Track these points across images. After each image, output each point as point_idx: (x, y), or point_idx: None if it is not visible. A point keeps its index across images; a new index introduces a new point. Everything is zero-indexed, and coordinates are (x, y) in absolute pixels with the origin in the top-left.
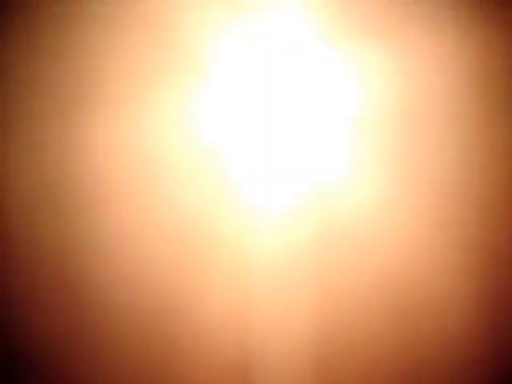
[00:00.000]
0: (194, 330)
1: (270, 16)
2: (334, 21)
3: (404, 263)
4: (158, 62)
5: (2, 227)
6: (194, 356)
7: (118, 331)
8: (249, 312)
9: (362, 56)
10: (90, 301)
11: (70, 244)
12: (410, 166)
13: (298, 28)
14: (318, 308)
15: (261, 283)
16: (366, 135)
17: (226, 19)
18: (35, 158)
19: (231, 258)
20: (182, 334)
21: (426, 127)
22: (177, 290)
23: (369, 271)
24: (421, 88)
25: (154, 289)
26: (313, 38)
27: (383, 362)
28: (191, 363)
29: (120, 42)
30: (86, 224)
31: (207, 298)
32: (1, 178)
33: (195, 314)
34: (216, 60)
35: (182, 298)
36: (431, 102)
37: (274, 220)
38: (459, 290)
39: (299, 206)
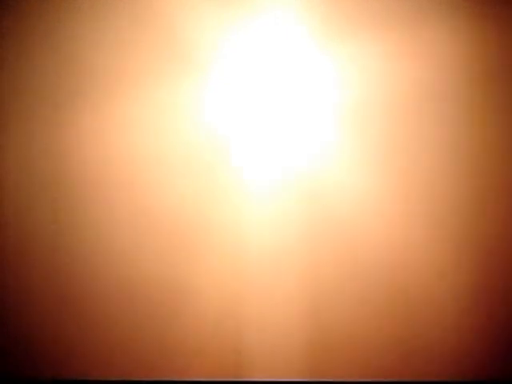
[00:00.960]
0: (189, 315)
1: (266, 15)
2: (327, 19)
3: (397, 254)
4: (155, 60)
5: None
6: (190, 340)
7: (115, 318)
8: (243, 296)
9: (358, 54)
10: (82, 289)
11: (61, 235)
12: (402, 161)
13: (291, 27)
14: (310, 294)
15: (255, 268)
16: (360, 129)
17: (224, 19)
18: (27, 154)
19: (226, 245)
20: (178, 320)
21: (418, 120)
22: (173, 276)
23: (363, 260)
24: (415, 83)
25: (150, 276)
26: (307, 36)
27: (376, 347)
28: (186, 349)
29: (118, 40)
30: (79, 215)
31: (203, 284)
32: None
33: (191, 300)
34: (212, 58)
35: (179, 284)
36: (424, 95)
37: (270, 209)
38: (452, 284)
39: (294, 196)
